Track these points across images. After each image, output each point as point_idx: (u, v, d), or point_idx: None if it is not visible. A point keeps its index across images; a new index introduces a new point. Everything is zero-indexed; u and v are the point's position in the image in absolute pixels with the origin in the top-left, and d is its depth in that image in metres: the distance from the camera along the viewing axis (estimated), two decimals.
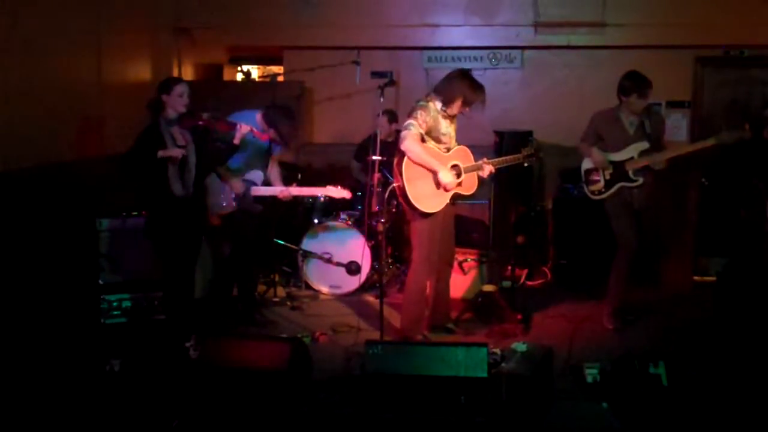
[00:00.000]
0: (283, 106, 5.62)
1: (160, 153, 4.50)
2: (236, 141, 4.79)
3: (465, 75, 4.82)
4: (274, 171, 5.45)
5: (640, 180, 5.11)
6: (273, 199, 5.32)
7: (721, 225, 6.56)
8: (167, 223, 4.64)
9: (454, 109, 4.77)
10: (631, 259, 5.18)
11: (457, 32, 7.26)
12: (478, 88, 4.77)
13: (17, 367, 4.23)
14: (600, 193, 5.25)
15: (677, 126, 7.25)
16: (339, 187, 5.31)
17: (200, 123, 4.64)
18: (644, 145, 5.08)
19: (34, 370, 4.21)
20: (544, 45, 7.22)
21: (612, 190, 5.19)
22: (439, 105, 4.75)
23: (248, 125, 4.83)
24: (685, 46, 7.03)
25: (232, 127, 4.73)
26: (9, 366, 4.22)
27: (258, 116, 5.19)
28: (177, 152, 4.55)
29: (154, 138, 4.57)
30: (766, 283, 4.86)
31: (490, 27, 7.18)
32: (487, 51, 7.41)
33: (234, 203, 5.13)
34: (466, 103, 4.76)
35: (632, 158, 5.10)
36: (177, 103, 4.61)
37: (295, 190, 5.35)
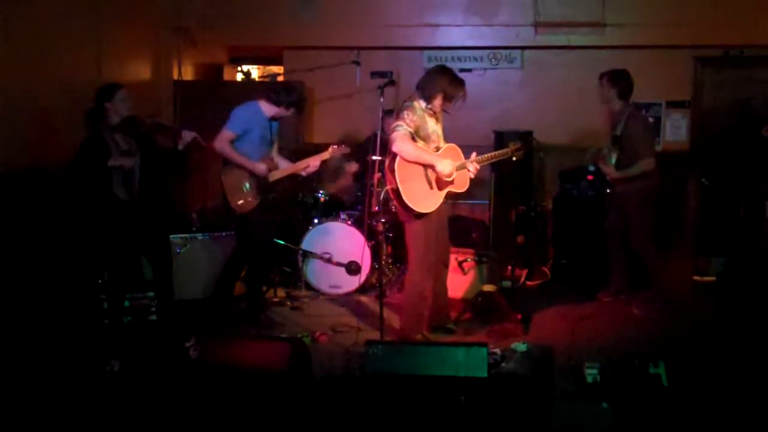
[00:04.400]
0: (282, 82, 5.62)
1: (111, 162, 4.69)
2: (180, 147, 4.91)
3: (445, 70, 4.81)
4: (278, 158, 5.45)
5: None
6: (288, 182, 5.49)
7: (721, 225, 6.56)
8: (111, 227, 4.80)
9: (436, 105, 4.77)
10: (615, 248, 5.70)
11: (457, 32, 7.25)
12: (457, 82, 4.77)
13: (17, 367, 4.23)
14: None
15: (677, 126, 7.24)
16: (335, 146, 5.41)
17: (142, 129, 4.81)
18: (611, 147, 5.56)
19: (35, 370, 4.21)
20: (544, 45, 7.21)
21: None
22: (423, 104, 4.75)
23: (192, 132, 4.93)
24: (685, 46, 7.02)
25: (175, 135, 4.87)
26: (9, 366, 4.22)
27: (261, 103, 5.23)
28: (128, 162, 4.75)
29: (99, 147, 4.71)
30: (766, 283, 4.86)
31: (490, 27, 7.17)
32: (487, 51, 7.40)
33: (257, 193, 5.15)
34: (446, 98, 4.76)
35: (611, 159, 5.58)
36: (120, 108, 4.80)
37: (310, 161, 5.34)
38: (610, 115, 5.69)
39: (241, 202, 5.11)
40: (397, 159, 4.61)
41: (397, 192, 4.63)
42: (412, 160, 4.63)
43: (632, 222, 5.50)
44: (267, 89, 5.36)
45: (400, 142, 4.57)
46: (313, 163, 5.35)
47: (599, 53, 7.15)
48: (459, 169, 4.81)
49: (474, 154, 4.88)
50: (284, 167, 5.34)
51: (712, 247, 6.46)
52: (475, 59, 7.43)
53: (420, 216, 4.70)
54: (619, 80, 5.48)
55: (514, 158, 5.06)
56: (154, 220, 5.06)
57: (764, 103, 6.97)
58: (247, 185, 5.13)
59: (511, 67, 7.44)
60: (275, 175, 5.24)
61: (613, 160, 5.50)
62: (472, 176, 4.89)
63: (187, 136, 4.90)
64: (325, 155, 5.38)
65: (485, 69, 7.40)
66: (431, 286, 4.95)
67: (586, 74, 7.20)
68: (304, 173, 5.41)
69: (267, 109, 5.19)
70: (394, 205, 5.91)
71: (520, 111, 7.26)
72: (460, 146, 4.95)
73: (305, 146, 7.22)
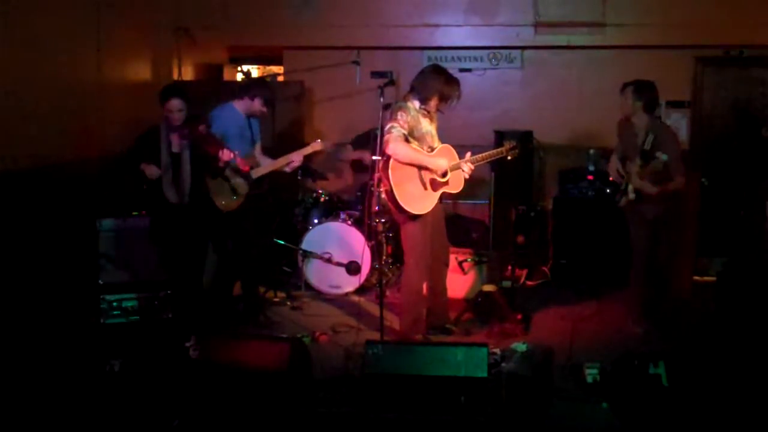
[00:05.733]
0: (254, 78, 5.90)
1: (142, 166, 4.74)
2: (221, 164, 4.91)
3: (439, 71, 4.80)
4: (262, 157, 5.48)
5: (632, 195, 4.92)
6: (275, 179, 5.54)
7: (721, 225, 6.56)
8: (165, 229, 4.78)
9: (432, 106, 4.76)
10: (643, 266, 5.12)
11: (457, 32, 7.25)
12: (453, 82, 4.76)
13: (18, 367, 4.23)
14: (617, 200, 5.07)
15: (677, 126, 7.24)
16: (319, 141, 5.54)
17: (196, 135, 4.78)
18: (638, 162, 4.87)
19: (35, 370, 4.21)
20: (544, 45, 7.21)
21: (623, 199, 5.01)
22: (417, 104, 4.74)
23: (232, 153, 4.92)
24: (685, 46, 7.02)
25: (221, 147, 4.84)
26: (9, 366, 4.22)
27: (235, 103, 5.27)
28: (153, 172, 4.76)
29: (151, 141, 4.74)
30: (766, 282, 4.86)
31: (490, 27, 7.18)
32: (487, 51, 7.40)
33: (241, 191, 5.18)
34: (442, 99, 4.75)
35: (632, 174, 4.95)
36: (169, 117, 4.78)
37: (292, 156, 5.37)
38: (624, 125, 5.17)
39: (224, 202, 5.14)
40: (391, 161, 4.60)
41: (391, 194, 4.62)
42: (406, 162, 4.62)
43: (662, 240, 5.11)
44: (237, 88, 5.46)
45: (394, 144, 4.56)
46: (295, 158, 5.38)
47: (599, 53, 7.16)
48: (453, 169, 4.80)
49: (468, 154, 4.87)
50: (267, 164, 5.37)
51: (712, 247, 6.45)
52: (475, 59, 7.43)
53: (415, 217, 4.69)
54: (645, 92, 4.97)
55: (509, 157, 5.03)
56: (200, 223, 5.05)
57: (764, 103, 6.97)
58: (230, 185, 5.16)
59: (511, 67, 7.44)
60: (258, 172, 5.29)
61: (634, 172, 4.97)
62: (467, 176, 4.87)
63: (227, 155, 4.88)
64: (307, 150, 5.43)
65: (485, 69, 7.40)
66: (429, 287, 4.96)
67: (586, 74, 7.24)
68: (287, 169, 5.43)
69: (240, 106, 5.27)
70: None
71: (520, 111, 7.26)
72: (460, 146, 4.95)
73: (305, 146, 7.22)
